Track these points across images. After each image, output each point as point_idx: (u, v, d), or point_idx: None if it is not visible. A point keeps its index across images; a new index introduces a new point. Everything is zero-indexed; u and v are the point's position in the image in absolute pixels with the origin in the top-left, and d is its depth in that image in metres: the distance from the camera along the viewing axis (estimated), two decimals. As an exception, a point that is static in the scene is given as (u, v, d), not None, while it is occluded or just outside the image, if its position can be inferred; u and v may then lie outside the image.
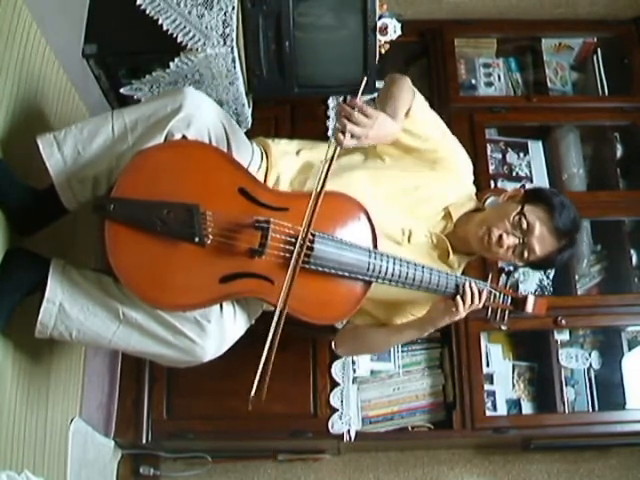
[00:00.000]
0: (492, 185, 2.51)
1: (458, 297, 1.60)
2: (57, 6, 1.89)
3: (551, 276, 2.52)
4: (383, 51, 2.02)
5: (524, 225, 1.61)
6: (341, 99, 1.45)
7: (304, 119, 2.54)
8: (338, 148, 1.44)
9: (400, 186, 1.70)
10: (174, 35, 1.86)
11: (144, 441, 2.25)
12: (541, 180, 2.62)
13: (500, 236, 1.62)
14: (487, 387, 2.36)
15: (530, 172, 2.65)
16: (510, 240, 1.62)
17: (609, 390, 2.46)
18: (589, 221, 2.55)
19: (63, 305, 1.47)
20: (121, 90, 2.02)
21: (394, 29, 1.97)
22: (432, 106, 2.58)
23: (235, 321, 1.54)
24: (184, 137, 1.50)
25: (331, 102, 2.52)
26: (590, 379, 2.47)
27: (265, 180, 1.66)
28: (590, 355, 2.49)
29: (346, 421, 2.24)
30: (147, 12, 1.86)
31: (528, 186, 1.81)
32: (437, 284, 1.60)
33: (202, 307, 1.46)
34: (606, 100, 2.69)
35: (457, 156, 1.76)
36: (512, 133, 2.70)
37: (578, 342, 2.52)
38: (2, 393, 1.60)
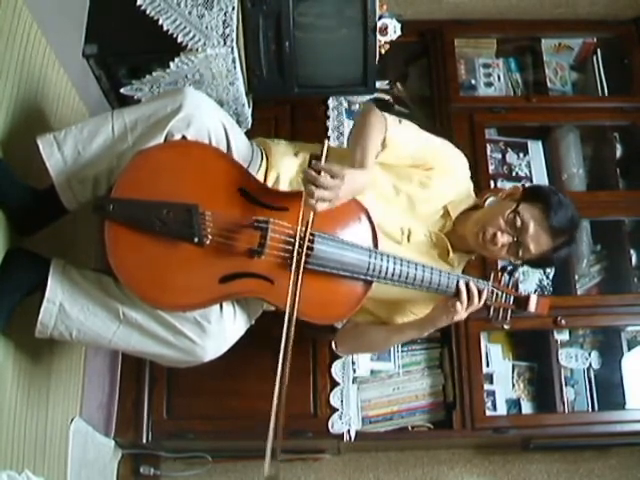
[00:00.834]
0: (492, 185, 2.51)
1: (457, 298, 1.60)
2: (57, 6, 1.89)
3: (551, 276, 2.52)
4: (383, 51, 2.02)
5: (518, 223, 1.61)
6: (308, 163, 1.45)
7: (304, 119, 2.54)
8: (312, 214, 1.43)
9: (399, 186, 1.70)
10: (174, 35, 1.86)
11: (144, 441, 2.25)
12: (541, 180, 2.62)
13: (494, 234, 1.62)
14: (487, 387, 2.36)
15: (530, 172, 2.65)
16: (504, 238, 1.62)
17: (609, 390, 2.46)
18: (589, 221, 2.55)
19: (63, 305, 1.48)
20: (121, 90, 2.02)
21: (394, 29, 1.97)
22: (432, 106, 2.60)
23: (235, 321, 1.54)
24: (184, 137, 1.50)
25: (331, 102, 2.52)
26: (590, 379, 2.47)
27: (265, 180, 1.66)
28: (590, 355, 2.49)
29: (346, 421, 2.24)
30: (147, 12, 1.86)
31: (527, 185, 1.81)
32: (437, 283, 1.60)
33: (202, 307, 1.46)
34: (606, 100, 2.68)
35: (448, 157, 1.76)
36: (512, 133, 2.70)
37: (578, 342, 2.52)
38: (2, 393, 1.60)
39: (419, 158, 1.69)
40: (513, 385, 2.46)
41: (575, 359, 2.47)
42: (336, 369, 2.29)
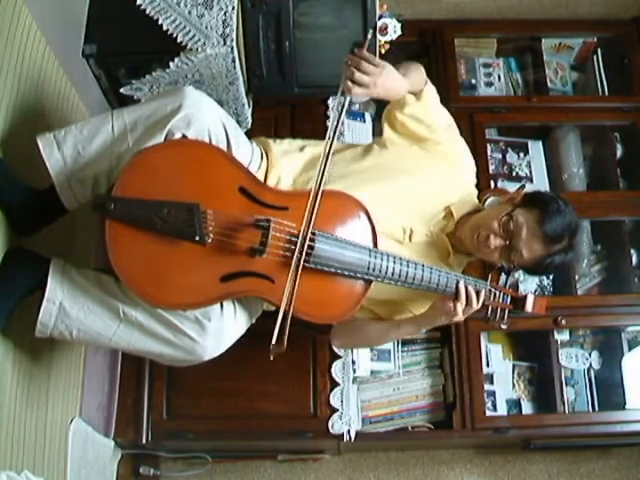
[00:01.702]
0: (492, 185, 2.51)
1: (457, 300, 1.60)
2: (57, 6, 1.90)
3: (551, 276, 2.52)
4: (383, 51, 2.02)
5: (511, 227, 1.60)
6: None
7: (304, 119, 2.54)
8: (347, 99, 1.45)
9: (401, 185, 1.70)
10: (174, 35, 1.85)
11: (144, 441, 2.25)
12: (541, 180, 2.63)
13: (487, 236, 1.62)
14: (487, 387, 2.36)
15: (530, 172, 2.65)
16: (497, 241, 1.61)
17: (609, 390, 2.46)
18: (589, 221, 2.55)
19: (63, 304, 1.48)
20: (121, 90, 2.02)
21: (394, 29, 1.96)
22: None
23: (236, 320, 1.54)
24: (184, 137, 1.50)
25: (331, 102, 2.52)
26: (590, 379, 2.47)
27: (265, 180, 1.66)
28: (590, 355, 2.49)
29: (346, 421, 2.24)
30: (147, 12, 1.85)
31: (528, 186, 1.81)
32: (437, 283, 1.60)
33: (203, 306, 1.46)
34: (606, 100, 2.69)
35: (461, 154, 1.76)
36: (512, 133, 2.70)
37: (578, 342, 2.52)
38: (2, 393, 1.60)
39: (436, 135, 1.70)
40: (513, 385, 2.46)
41: (575, 359, 2.47)
42: (336, 369, 2.28)
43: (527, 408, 2.45)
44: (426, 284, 1.59)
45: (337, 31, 2.00)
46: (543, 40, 2.74)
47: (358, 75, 1.43)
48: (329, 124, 1.48)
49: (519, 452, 2.55)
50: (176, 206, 1.41)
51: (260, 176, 1.64)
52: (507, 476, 2.63)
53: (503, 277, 1.67)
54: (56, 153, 1.50)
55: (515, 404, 2.45)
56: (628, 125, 2.62)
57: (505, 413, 2.40)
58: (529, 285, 2.49)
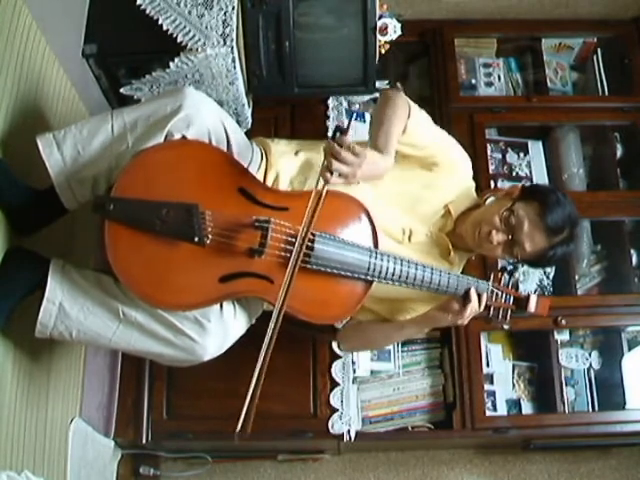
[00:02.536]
0: (492, 185, 2.51)
1: (463, 305, 1.59)
2: (57, 6, 1.89)
3: (551, 276, 2.52)
4: (383, 51, 2.02)
5: (513, 221, 1.60)
6: (330, 135, 1.43)
7: (304, 119, 2.54)
8: (325, 187, 1.42)
9: (400, 186, 1.70)
10: (174, 35, 1.86)
11: (144, 441, 2.25)
12: (541, 180, 2.62)
13: (489, 232, 1.62)
14: (487, 387, 2.36)
15: (530, 172, 2.65)
16: (499, 236, 1.62)
17: (609, 390, 2.46)
18: (589, 221, 2.55)
19: (63, 305, 1.47)
20: (121, 90, 2.02)
21: (394, 29, 1.97)
22: (432, 105, 2.60)
23: (235, 320, 1.54)
24: (184, 137, 1.50)
25: (331, 102, 2.52)
26: (590, 379, 2.47)
27: (264, 180, 1.66)
28: (590, 355, 2.49)
29: (346, 421, 2.24)
30: (147, 12, 1.85)
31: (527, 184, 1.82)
32: (438, 283, 1.60)
33: (202, 306, 1.46)
34: (606, 100, 2.69)
35: (454, 157, 1.76)
36: (512, 133, 2.70)
37: (578, 342, 2.52)
38: (2, 393, 1.60)
39: (429, 151, 1.69)
40: (513, 385, 2.46)
41: (575, 359, 2.47)
42: (336, 369, 2.28)
43: (527, 408, 2.45)
44: (426, 284, 1.59)
45: (337, 31, 2.00)
46: (543, 40, 2.74)
47: (337, 166, 1.39)
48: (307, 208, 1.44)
49: (519, 452, 2.55)
50: (175, 207, 1.41)
51: (259, 176, 1.64)
52: (507, 476, 2.63)
53: (505, 277, 1.67)
54: (56, 153, 1.50)
55: (515, 404, 2.45)
56: (628, 125, 2.62)
57: (505, 413, 2.39)
58: (529, 285, 2.49)
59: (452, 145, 1.76)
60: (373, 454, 2.63)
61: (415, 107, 1.65)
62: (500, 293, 1.65)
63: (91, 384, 2.14)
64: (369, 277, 1.55)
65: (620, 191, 2.61)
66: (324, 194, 1.42)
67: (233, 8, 1.87)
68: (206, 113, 1.52)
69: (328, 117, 2.51)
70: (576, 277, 2.50)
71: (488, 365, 2.40)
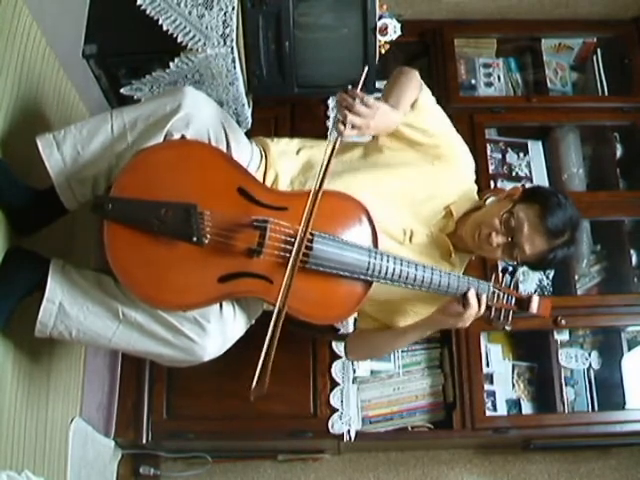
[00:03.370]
0: (492, 185, 2.51)
1: (463, 308, 1.58)
2: (57, 6, 1.90)
3: (551, 276, 2.52)
4: (383, 51, 2.02)
5: (512, 224, 1.59)
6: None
7: (304, 119, 2.54)
8: (339, 139, 1.43)
9: (401, 186, 1.69)
10: (174, 35, 1.85)
11: (144, 441, 2.25)
12: (541, 180, 2.63)
13: (489, 234, 1.61)
14: (487, 387, 2.36)
15: (530, 172, 2.65)
16: (499, 238, 1.61)
17: (609, 390, 2.46)
18: (589, 221, 2.55)
19: (63, 305, 1.48)
20: (121, 90, 2.02)
21: (394, 29, 1.96)
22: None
23: (235, 321, 1.54)
24: (183, 137, 1.50)
25: (331, 102, 2.52)
26: (590, 379, 2.47)
27: (263, 179, 1.65)
28: (590, 355, 2.49)
29: (346, 421, 2.24)
30: (147, 12, 1.85)
31: (528, 186, 1.81)
32: (438, 284, 1.59)
33: (201, 307, 1.46)
34: (606, 100, 2.69)
35: (460, 154, 1.75)
36: (512, 133, 2.70)
37: (578, 342, 2.52)
38: (2, 393, 1.60)
39: (434, 139, 1.67)
40: (513, 385, 2.46)
41: (575, 359, 2.47)
42: (336, 369, 2.29)
43: (527, 408, 2.45)
44: (427, 285, 1.59)
45: (337, 31, 1.99)
46: (543, 40, 2.74)
47: (351, 117, 1.41)
48: (322, 162, 1.45)
49: (519, 452, 2.55)
50: (174, 207, 1.41)
51: (259, 176, 1.64)
52: (507, 476, 2.63)
53: (507, 278, 1.65)
54: (55, 153, 1.50)
55: (515, 404, 2.45)
56: (628, 125, 2.62)
57: (505, 413, 2.40)
58: (528, 285, 2.49)
59: (459, 143, 1.75)
60: (373, 454, 2.63)
61: (428, 90, 1.69)
62: (501, 294, 1.64)
63: (91, 384, 2.14)
64: (368, 277, 1.54)
65: (620, 191, 2.61)
66: (337, 144, 1.42)
67: (233, 8, 1.87)
68: (205, 113, 1.53)
69: (328, 117, 2.51)
70: (576, 277, 2.50)
71: (488, 365, 2.40)
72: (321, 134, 2.44)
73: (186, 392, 2.29)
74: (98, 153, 1.50)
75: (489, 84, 2.73)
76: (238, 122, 2.06)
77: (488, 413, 2.31)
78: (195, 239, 1.40)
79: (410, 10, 2.69)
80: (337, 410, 2.25)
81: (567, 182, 2.62)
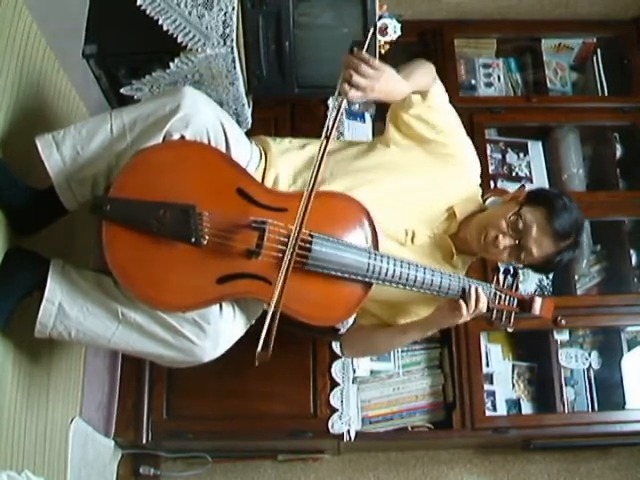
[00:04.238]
0: (492, 185, 2.51)
1: (462, 301, 1.58)
2: (57, 6, 1.90)
3: (551, 276, 2.52)
4: (383, 51, 2.02)
5: (520, 226, 1.58)
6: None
7: (304, 119, 2.53)
8: (344, 101, 1.42)
9: (403, 187, 1.69)
10: (174, 35, 1.86)
11: (144, 441, 2.25)
12: (541, 180, 2.63)
13: (496, 236, 1.60)
14: (487, 387, 2.36)
15: (530, 172, 2.65)
16: (506, 241, 1.60)
17: (609, 390, 2.46)
18: (589, 221, 2.55)
19: (62, 305, 1.47)
20: (121, 90, 2.02)
21: (394, 29, 1.96)
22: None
23: (235, 321, 1.54)
24: (182, 137, 1.50)
25: (331, 102, 2.52)
26: (590, 379, 2.47)
27: (263, 179, 1.65)
28: (590, 355, 2.49)
29: (346, 421, 2.24)
30: (147, 12, 1.85)
31: (528, 186, 1.80)
32: (439, 286, 1.59)
33: (200, 308, 1.46)
34: (606, 100, 2.69)
35: (468, 157, 1.75)
36: (512, 133, 2.70)
37: (578, 342, 2.52)
38: (2, 393, 1.60)
39: (442, 136, 1.67)
40: (513, 385, 2.46)
41: (575, 359, 2.47)
42: (336, 369, 2.29)
43: (527, 408, 2.45)
44: (427, 286, 1.58)
45: (337, 31, 2.00)
46: (543, 40, 2.74)
47: (356, 78, 1.41)
48: (326, 123, 1.45)
49: (519, 452, 2.55)
50: (172, 207, 1.41)
51: (258, 176, 1.64)
52: (507, 476, 2.63)
53: (508, 279, 1.65)
54: (55, 154, 1.50)
55: (515, 404, 2.45)
56: (628, 125, 2.62)
57: (505, 413, 2.40)
58: (528, 285, 2.49)
59: (468, 145, 1.76)
60: (373, 454, 2.63)
61: (441, 85, 1.69)
62: (503, 296, 1.63)
63: (91, 384, 2.14)
64: (368, 279, 1.54)
65: (620, 191, 2.61)
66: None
67: (233, 8, 1.87)
68: (205, 113, 1.52)
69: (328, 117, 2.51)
70: (576, 277, 2.50)
71: (488, 365, 2.40)
72: (321, 134, 2.44)
73: (186, 392, 2.28)
74: (97, 153, 1.50)
75: (489, 84, 2.73)
76: (238, 122, 2.06)
77: (488, 413, 2.31)
78: (194, 240, 1.40)
79: (410, 10, 2.69)
80: (337, 410, 2.25)
81: (567, 182, 2.62)
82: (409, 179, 1.69)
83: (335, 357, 2.29)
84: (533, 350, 2.50)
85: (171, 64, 1.89)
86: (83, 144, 1.50)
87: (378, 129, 2.49)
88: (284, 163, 1.68)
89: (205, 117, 1.52)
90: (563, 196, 1.65)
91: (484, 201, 1.77)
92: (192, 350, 1.48)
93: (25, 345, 1.67)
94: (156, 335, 1.48)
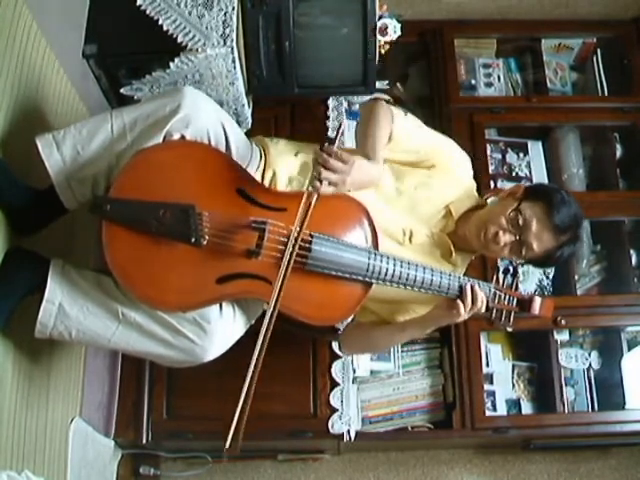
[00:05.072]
0: (492, 185, 2.51)
1: (459, 300, 1.58)
2: (57, 6, 1.90)
3: (551, 276, 2.52)
4: (383, 51, 2.02)
5: (520, 221, 1.59)
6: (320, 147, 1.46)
7: (304, 119, 2.54)
8: (315, 197, 1.43)
9: (400, 186, 1.70)
10: (174, 35, 1.86)
11: (144, 441, 2.25)
12: (541, 180, 2.62)
13: (496, 233, 1.61)
14: (487, 387, 2.36)
15: (530, 172, 2.65)
16: (506, 237, 1.61)
17: (609, 390, 2.46)
18: (589, 221, 2.55)
19: (62, 305, 1.48)
20: (121, 90, 2.02)
21: (394, 29, 1.96)
22: (432, 106, 2.60)
23: (235, 321, 1.54)
24: (183, 137, 1.50)
25: (331, 102, 2.52)
26: (590, 379, 2.47)
27: (262, 179, 1.65)
28: (590, 355, 2.49)
29: (346, 421, 2.24)
30: (147, 12, 1.85)
31: (529, 184, 1.81)
32: (439, 285, 1.59)
33: (199, 307, 1.46)
34: (606, 100, 2.69)
35: (450, 155, 1.75)
36: (512, 133, 2.70)
37: (578, 342, 2.52)
38: (2, 393, 1.60)
39: (423, 154, 1.69)
40: (513, 385, 2.46)
41: (575, 359, 2.47)
42: (336, 369, 2.29)
43: (527, 408, 2.45)
44: (426, 286, 1.58)
45: (337, 31, 2.00)
46: (543, 40, 2.74)
47: (326, 174, 1.42)
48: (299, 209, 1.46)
49: (519, 452, 2.55)
50: (172, 207, 1.41)
51: (258, 175, 1.64)
52: (507, 476, 2.63)
53: (508, 279, 1.65)
54: (55, 153, 1.50)
55: (515, 404, 2.45)
56: (628, 125, 2.62)
57: (505, 413, 2.40)
58: (528, 285, 2.49)
59: (448, 145, 1.76)
60: (373, 454, 2.63)
61: (399, 113, 1.66)
62: (503, 295, 1.64)
63: (91, 384, 2.14)
64: (368, 278, 1.54)
65: (620, 191, 2.61)
66: (314, 201, 1.43)
67: (233, 8, 1.87)
68: (205, 113, 1.53)
69: (328, 117, 2.51)
70: (576, 277, 2.50)
71: (488, 365, 2.40)
72: (321, 134, 2.44)
73: (186, 392, 2.29)
74: (98, 153, 1.50)
75: (489, 84, 2.73)
76: (238, 122, 2.06)
77: (488, 413, 2.31)
78: (193, 240, 1.40)
79: (410, 10, 2.69)
80: (337, 410, 2.25)
81: (567, 182, 2.62)
82: (403, 181, 1.70)
83: (335, 357, 2.29)
84: (533, 350, 2.50)
85: (171, 64, 1.89)
86: (83, 144, 1.50)
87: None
88: (281, 164, 1.68)
89: (205, 117, 1.52)
90: (561, 190, 1.66)
91: (485, 201, 1.77)
92: (192, 350, 1.48)
93: (25, 345, 1.67)
94: (156, 335, 1.48)
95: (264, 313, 1.65)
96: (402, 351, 2.35)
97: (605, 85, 2.71)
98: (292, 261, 1.43)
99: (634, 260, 2.54)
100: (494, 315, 1.65)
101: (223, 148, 1.57)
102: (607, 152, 2.68)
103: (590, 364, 2.48)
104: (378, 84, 2.21)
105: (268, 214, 1.48)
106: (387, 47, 2.02)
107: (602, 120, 2.65)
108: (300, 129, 2.49)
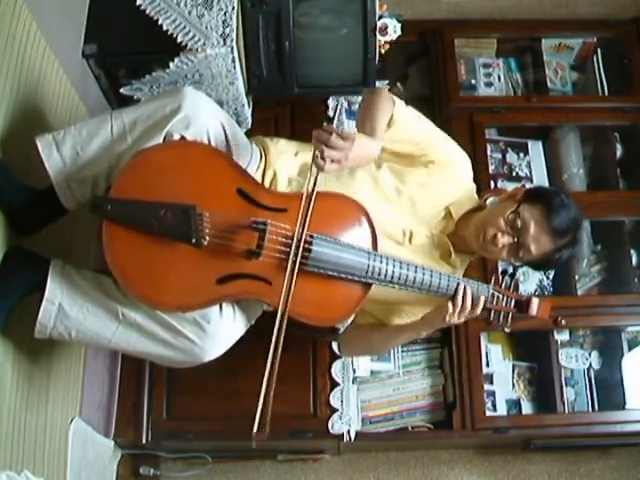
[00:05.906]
0: (492, 185, 2.51)
1: (449, 302, 1.58)
2: (57, 6, 1.90)
3: (551, 276, 2.52)
4: (383, 51, 2.02)
5: (518, 224, 1.59)
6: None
7: (304, 119, 2.53)
8: (319, 175, 1.44)
9: (400, 187, 1.69)
10: (174, 35, 1.85)
11: (144, 441, 2.25)
12: (541, 180, 2.63)
13: (494, 235, 1.61)
14: (487, 387, 2.36)
15: (530, 172, 2.65)
16: (505, 239, 1.61)
17: (609, 390, 2.46)
18: (589, 221, 2.55)
19: (62, 305, 1.48)
20: (121, 90, 2.02)
21: (394, 29, 1.96)
22: (432, 105, 2.60)
23: (235, 321, 1.54)
24: (183, 137, 1.50)
25: (331, 102, 2.52)
26: (590, 379, 2.47)
27: (262, 179, 1.65)
28: (590, 355, 2.49)
29: (346, 421, 2.24)
30: (147, 12, 1.85)
31: (529, 186, 1.80)
32: (437, 286, 1.59)
33: (200, 308, 1.46)
34: (606, 100, 2.69)
35: (450, 156, 1.75)
36: (512, 133, 2.70)
37: (578, 342, 2.52)
38: (2, 393, 1.60)
39: (422, 146, 1.68)
40: (513, 385, 2.46)
41: (575, 359, 2.47)
42: (336, 369, 2.29)
43: (527, 408, 2.45)
44: (426, 287, 1.58)
45: (337, 31, 1.99)
46: (543, 40, 2.74)
47: (328, 152, 1.42)
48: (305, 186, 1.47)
49: (519, 452, 2.55)
50: (172, 208, 1.41)
51: (258, 176, 1.64)
52: (507, 476, 2.63)
53: (507, 280, 1.65)
54: (55, 154, 1.50)
55: (515, 404, 2.45)
56: (628, 125, 2.62)
57: (505, 413, 2.40)
58: (529, 285, 2.49)
59: (448, 144, 1.75)
60: (373, 454, 2.63)
61: (401, 102, 1.66)
62: (501, 296, 1.64)
63: (91, 384, 2.14)
64: (368, 279, 1.54)
65: (620, 191, 2.61)
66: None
67: (233, 8, 1.87)
68: (205, 113, 1.53)
69: (328, 117, 2.51)
70: (576, 277, 2.50)
71: (488, 365, 2.40)
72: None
73: (186, 392, 2.28)
74: (98, 154, 1.50)
75: (489, 84, 2.73)
76: (238, 122, 2.06)
77: (488, 413, 2.31)
78: (194, 240, 1.40)
79: (410, 10, 2.69)
80: (337, 410, 2.25)
81: (567, 182, 2.62)
82: (403, 181, 1.70)
83: (335, 357, 2.29)
84: (533, 350, 2.50)
85: (171, 64, 1.89)
86: (83, 144, 1.50)
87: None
88: (281, 164, 1.68)
89: (206, 118, 1.52)
90: (561, 193, 1.65)
91: (484, 202, 1.77)
92: (192, 350, 1.48)
93: (25, 345, 1.67)
94: (156, 335, 1.48)
95: (264, 313, 1.66)
96: (402, 351, 2.35)
97: (605, 85, 2.71)
98: (298, 262, 1.44)
99: (634, 260, 2.54)
100: (492, 316, 1.65)
101: (223, 148, 1.57)
102: (607, 152, 2.68)
103: (590, 364, 2.48)
104: (378, 84, 2.20)
105: (268, 214, 1.48)
106: (387, 47, 2.01)
107: (602, 120, 2.65)
108: (300, 129, 2.49)
